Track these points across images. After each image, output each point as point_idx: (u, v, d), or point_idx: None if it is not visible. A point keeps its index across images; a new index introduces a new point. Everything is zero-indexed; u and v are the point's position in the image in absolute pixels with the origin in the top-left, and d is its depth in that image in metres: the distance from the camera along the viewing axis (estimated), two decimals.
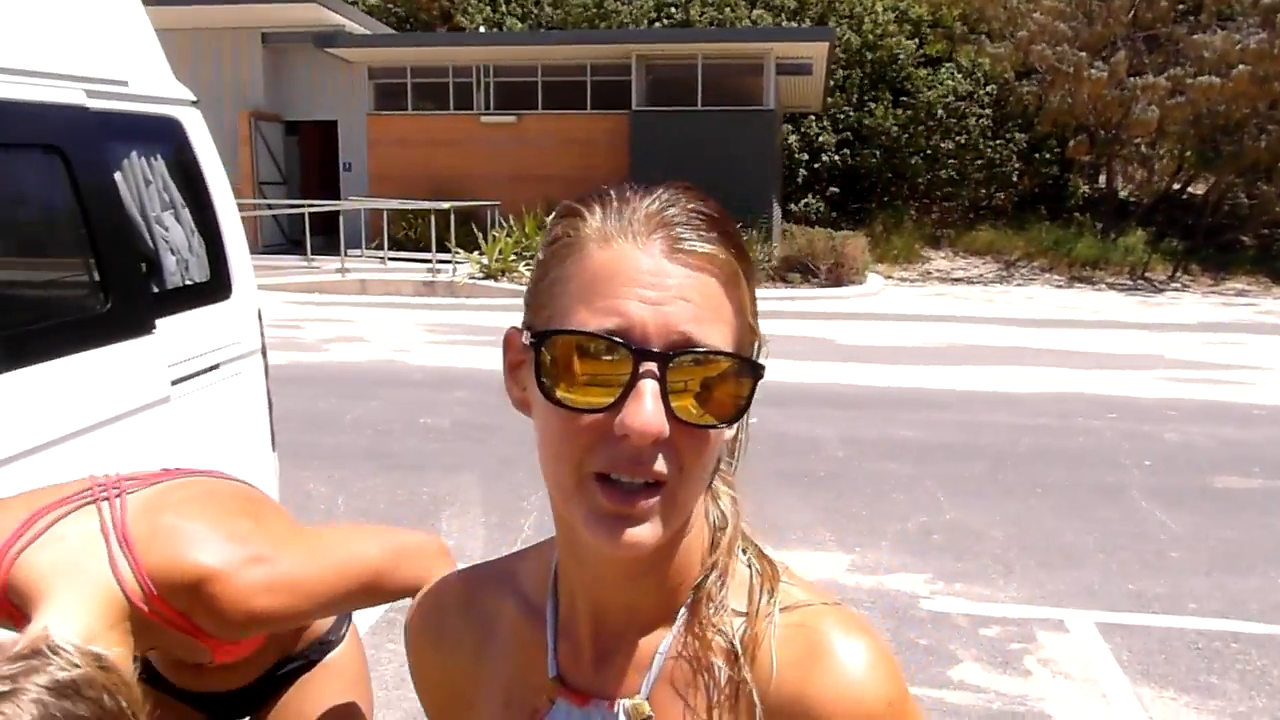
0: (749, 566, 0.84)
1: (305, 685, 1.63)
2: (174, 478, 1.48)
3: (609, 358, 0.69)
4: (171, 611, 1.28)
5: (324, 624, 1.67)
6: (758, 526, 0.82)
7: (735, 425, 0.78)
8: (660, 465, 0.71)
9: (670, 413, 0.69)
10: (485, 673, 0.89)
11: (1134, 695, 3.66)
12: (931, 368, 9.91)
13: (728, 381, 0.72)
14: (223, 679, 1.59)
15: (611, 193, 0.75)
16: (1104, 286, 18.64)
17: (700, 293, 0.71)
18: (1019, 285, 18.85)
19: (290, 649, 1.63)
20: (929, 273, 19.97)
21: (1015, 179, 23.03)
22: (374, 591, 1.40)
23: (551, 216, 0.78)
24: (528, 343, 0.73)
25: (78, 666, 0.91)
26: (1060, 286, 18.69)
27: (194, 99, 3.47)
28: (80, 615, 1.18)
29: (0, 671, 0.88)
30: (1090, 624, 4.22)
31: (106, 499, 1.35)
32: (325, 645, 1.66)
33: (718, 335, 0.71)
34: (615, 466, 0.70)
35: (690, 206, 0.73)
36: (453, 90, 19.68)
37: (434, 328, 12.13)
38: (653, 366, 0.68)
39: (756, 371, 0.74)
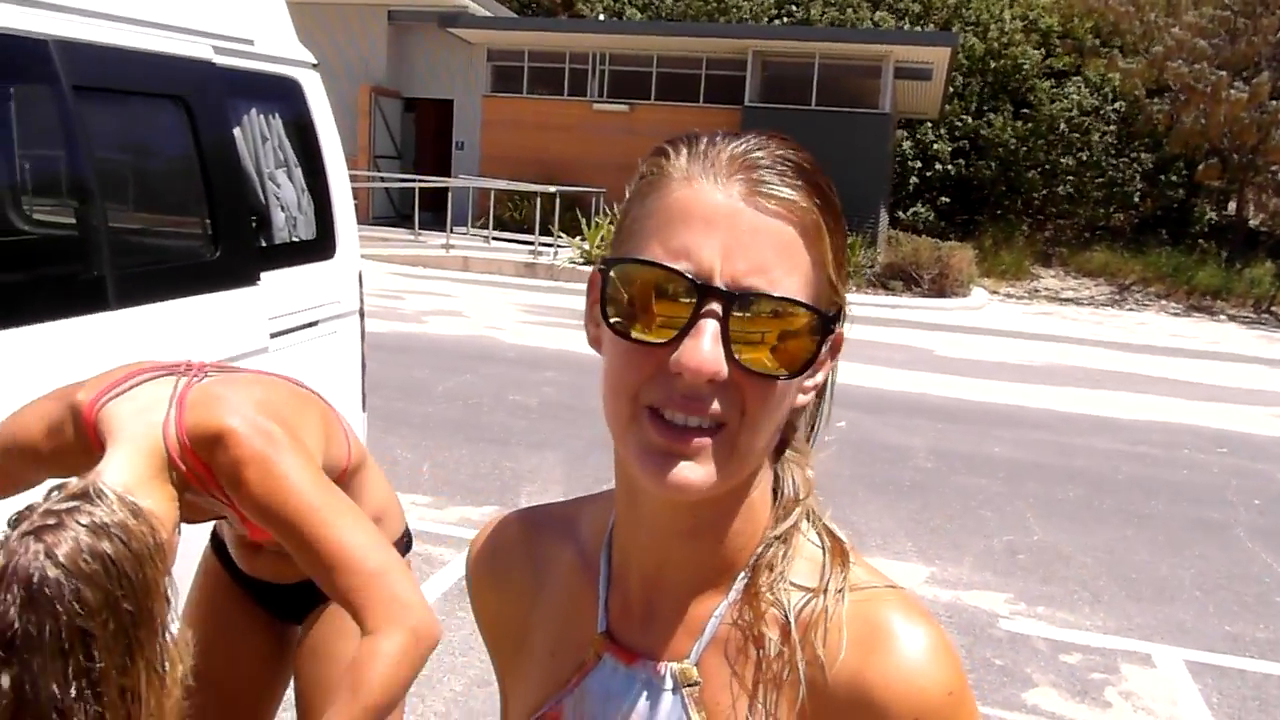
0: (819, 545, 0.81)
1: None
2: (256, 374, 1.65)
3: (674, 291, 0.68)
4: (200, 465, 1.44)
5: None
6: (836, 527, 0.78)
7: (806, 382, 0.75)
8: (718, 407, 0.69)
9: (731, 356, 0.68)
10: (536, 618, 0.88)
11: None
12: (1032, 386, 9.60)
13: (795, 331, 0.70)
14: (270, 568, 1.74)
15: (703, 136, 0.73)
16: (1224, 318, 17.78)
17: (775, 239, 0.69)
18: (1131, 310, 18.13)
19: None
20: (1037, 290, 19.35)
21: (1137, 200, 22.16)
22: (330, 570, 1.39)
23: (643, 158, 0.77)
24: (598, 270, 0.73)
25: (115, 512, 1.11)
26: (1176, 314, 17.90)
27: (314, 62, 3.56)
28: (132, 461, 1.38)
29: (54, 507, 1.11)
30: (1180, 661, 4.04)
31: (187, 375, 1.54)
32: None
33: (790, 285, 0.69)
34: (668, 403, 0.69)
35: (779, 153, 0.71)
36: (568, 76, 19.85)
37: (531, 308, 12.28)
38: (715, 306, 0.67)
39: (827, 324, 0.71)
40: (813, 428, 0.84)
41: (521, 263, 15.64)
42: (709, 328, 0.67)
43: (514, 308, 12.26)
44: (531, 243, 16.31)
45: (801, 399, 0.76)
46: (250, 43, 3.17)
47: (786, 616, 0.76)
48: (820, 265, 0.72)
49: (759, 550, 0.79)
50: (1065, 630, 4.26)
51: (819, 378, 0.78)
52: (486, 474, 5.71)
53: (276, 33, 3.38)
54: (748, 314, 0.68)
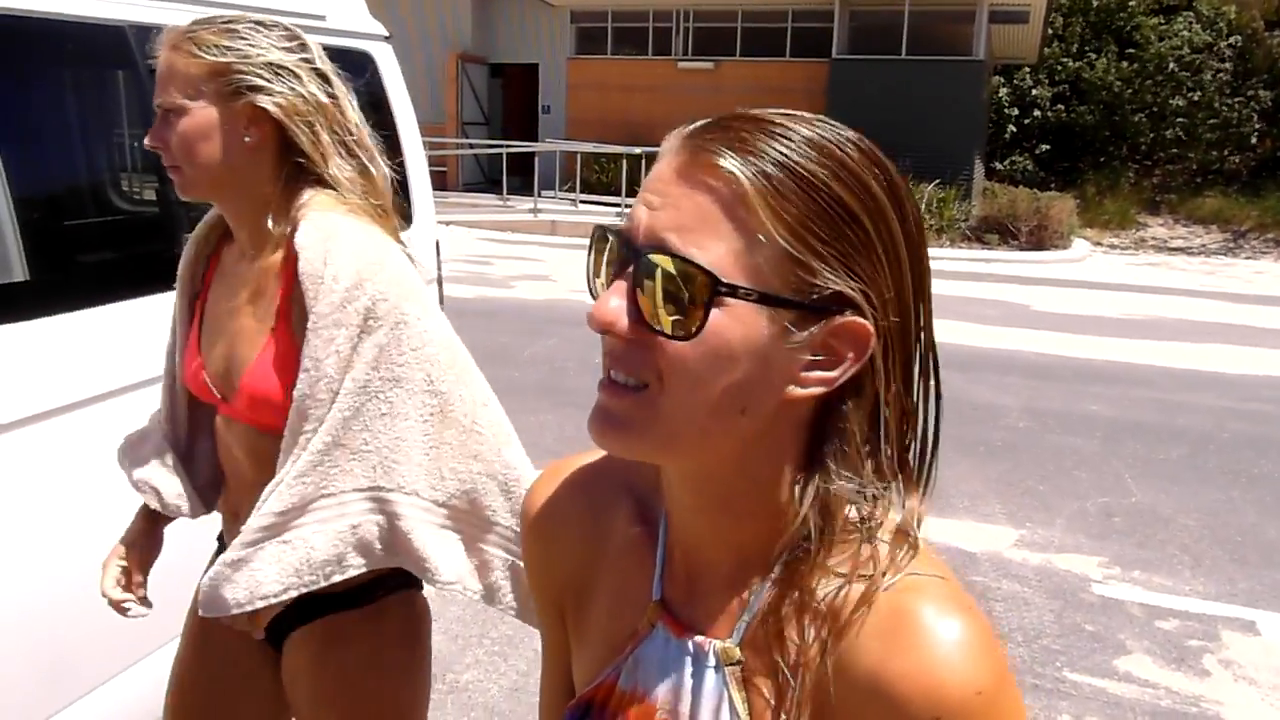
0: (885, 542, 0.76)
1: (345, 622, 1.55)
2: None
3: (613, 252, 0.73)
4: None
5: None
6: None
7: (802, 373, 0.70)
8: (637, 367, 0.71)
9: (638, 314, 0.69)
10: (596, 576, 0.88)
11: None
12: (1133, 341, 9.24)
13: (697, 294, 0.67)
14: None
15: (702, 119, 0.74)
16: None
17: (695, 204, 0.68)
18: (1247, 259, 17.22)
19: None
20: (1144, 240, 18.54)
21: (1254, 141, 20.94)
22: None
23: None
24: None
25: None
26: None
27: (387, 34, 3.59)
28: None
29: None
30: None
31: None
32: (381, 584, 1.57)
33: (714, 251, 0.66)
34: (605, 359, 0.73)
35: (729, 121, 0.70)
36: (652, 35, 19.66)
37: None
38: (630, 263, 0.70)
39: (716, 286, 0.66)
40: (888, 436, 0.73)
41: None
42: (619, 284, 0.70)
43: None
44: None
45: (799, 392, 0.70)
46: (322, 18, 3.21)
47: (823, 601, 0.74)
48: (748, 236, 0.67)
49: (797, 536, 0.75)
50: (1162, 595, 4.12)
51: (830, 373, 0.70)
52: (572, 437, 5.78)
53: (348, 6, 3.42)
54: (658, 272, 0.67)
